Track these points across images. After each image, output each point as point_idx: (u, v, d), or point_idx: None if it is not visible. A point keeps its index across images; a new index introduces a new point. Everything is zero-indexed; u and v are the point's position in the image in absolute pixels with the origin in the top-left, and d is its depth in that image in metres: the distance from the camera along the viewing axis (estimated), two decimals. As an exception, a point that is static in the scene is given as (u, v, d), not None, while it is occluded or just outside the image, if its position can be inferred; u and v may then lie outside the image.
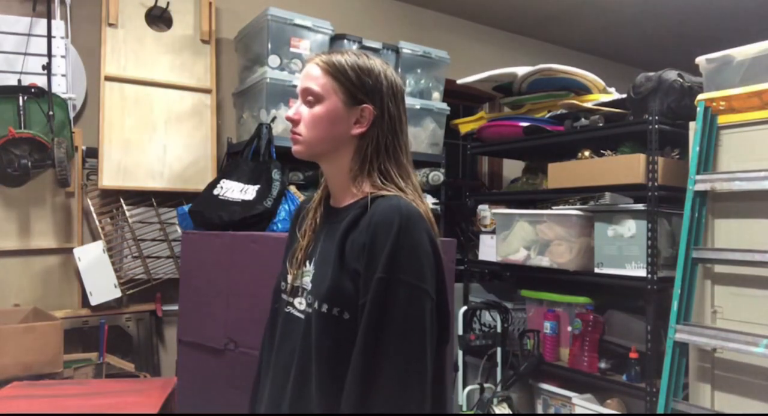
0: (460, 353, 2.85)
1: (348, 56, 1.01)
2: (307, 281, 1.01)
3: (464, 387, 2.85)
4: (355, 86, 0.99)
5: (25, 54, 2.36)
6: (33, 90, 2.31)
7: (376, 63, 1.02)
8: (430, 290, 0.91)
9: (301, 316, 1.00)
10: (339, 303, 0.93)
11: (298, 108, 1.02)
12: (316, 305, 0.95)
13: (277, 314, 1.07)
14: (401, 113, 1.04)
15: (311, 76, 1.01)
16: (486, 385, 2.76)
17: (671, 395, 1.97)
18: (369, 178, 1.00)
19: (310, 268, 1.02)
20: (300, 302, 1.01)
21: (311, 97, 1.00)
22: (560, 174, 2.61)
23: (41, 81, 2.34)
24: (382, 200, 0.96)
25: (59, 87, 2.41)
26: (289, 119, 1.02)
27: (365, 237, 0.92)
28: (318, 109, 0.99)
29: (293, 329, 1.01)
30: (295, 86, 2.54)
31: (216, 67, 2.82)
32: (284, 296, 1.06)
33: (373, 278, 0.89)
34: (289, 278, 1.05)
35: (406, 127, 1.06)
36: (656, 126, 2.21)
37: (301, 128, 1.01)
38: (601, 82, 2.83)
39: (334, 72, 0.99)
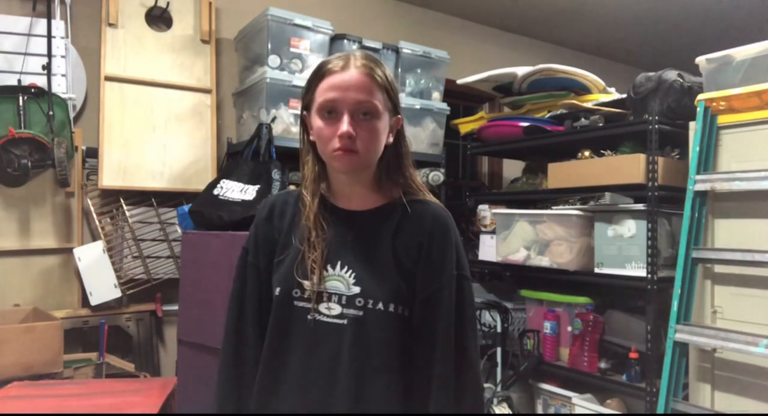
0: (460, 353, 2.84)
1: (382, 66, 1.05)
2: (336, 285, 1.01)
3: (464, 387, 2.85)
4: (394, 100, 1.05)
5: (25, 54, 2.36)
6: (33, 90, 2.31)
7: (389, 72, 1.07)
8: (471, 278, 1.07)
9: (340, 321, 0.99)
10: (402, 302, 1.00)
11: (352, 122, 0.98)
12: (379, 306, 0.99)
13: (288, 323, 1.03)
14: (404, 118, 1.11)
15: (365, 88, 0.98)
16: (486, 385, 2.76)
17: (671, 395, 1.97)
18: (396, 183, 1.06)
19: (338, 272, 1.02)
20: (328, 308, 1.00)
21: (369, 113, 0.99)
22: (560, 174, 2.61)
23: (41, 81, 2.34)
24: (419, 204, 1.05)
25: (59, 87, 2.41)
26: (347, 134, 0.97)
27: (420, 239, 1.02)
28: (378, 124, 1.01)
29: (328, 336, 1.00)
30: (295, 86, 2.54)
31: (216, 67, 2.82)
32: (300, 303, 1.02)
33: (439, 275, 1.01)
34: (306, 284, 1.01)
35: (405, 132, 1.12)
36: (656, 126, 2.21)
37: (359, 145, 0.98)
38: (601, 82, 2.84)
39: (387, 86, 1.02)
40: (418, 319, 1.01)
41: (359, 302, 0.99)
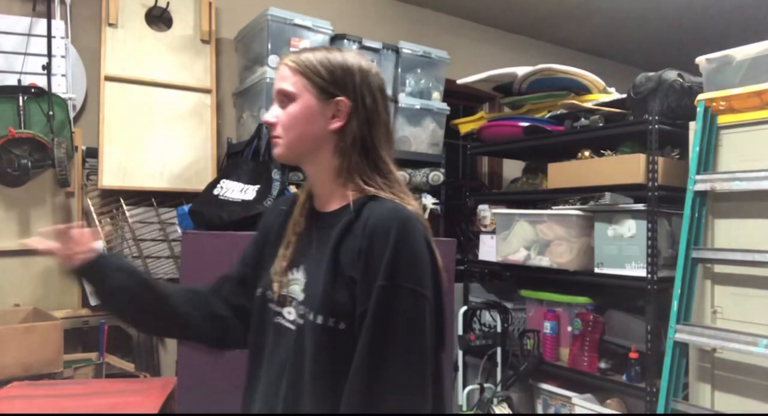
0: (460, 353, 2.85)
1: (317, 52, 1.00)
2: (295, 289, 0.98)
3: (464, 387, 2.85)
4: (326, 81, 0.97)
5: (25, 54, 2.36)
6: (33, 90, 2.31)
7: (348, 56, 1.00)
8: (429, 295, 0.90)
9: (292, 327, 0.97)
10: (334, 314, 0.91)
11: (274, 111, 1.00)
12: (310, 316, 0.92)
13: (265, 324, 1.02)
14: (378, 104, 1.00)
15: (282, 76, 0.99)
16: (486, 385, 2.76)
17: (671, 395, 1.97)
18: (355, 178, 0.98)
19: (297, 276, 0.99)
20: (289, 312, 0.97)
21: (285, 98, 0.99)
22: (560, 174, 2.61)
23: (41, 81, 2.34)
24: (375, 203, 0.95)
25: (59, 87, 2.41)
26: (266, 122, 1.00)
27: (361, 243, 0.91)
28: (292, 108, 0.97)
29: (284, 340, 0.98)
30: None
31: (216, 67, 2.82)
32: (272, 306, 1.01)
33: (373, 285, 0.88)
34: (275, 286, 1.00)
35: (386, 118, 1.02)
36: (656, 126, 2.21)
37: (280, 130, 0.99)
38: (601, 82, 2.84)
39: (303, 69, 0.98)
40: (356, 334, 0.90)
41: (301, 310, 0.95)
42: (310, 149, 0.99)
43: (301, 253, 1.01)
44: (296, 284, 0.98)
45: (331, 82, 0.97)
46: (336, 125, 0.97)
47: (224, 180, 2.21)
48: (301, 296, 0.97)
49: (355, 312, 0.90)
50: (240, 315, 1.10)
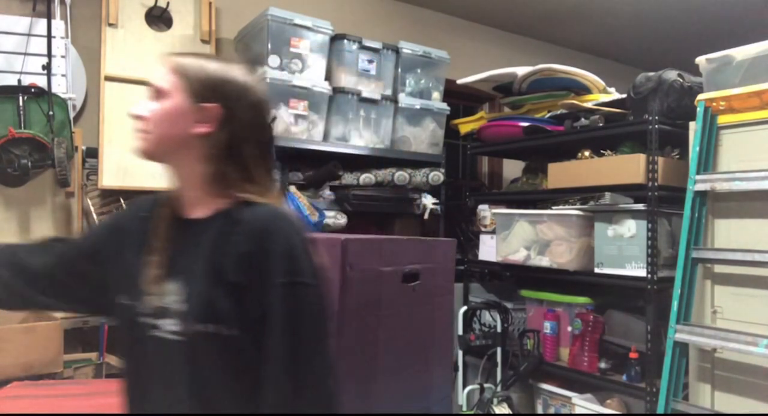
0: (460, 353, 2.85)
1: (201, 57, 1.00)
2: (172, 300, 0.94)
3: (464, 387, 2.85)
4: (201, 85, 0.96)
5: (25, 54, 2.36)
6: (33, 90, 2.31)
7: (232, 68, 1.00)
8: (320, 285, 0.94)
9: (177, 338, 0.93)
10: (222, 321, 0.90)
11: (145, 105, 0.99)
12: (199, 327, 0.91)
13: (139, 338, 0.97)
14: (254, 119, 1.00)
15: (159, 73, 0.99)
16: (486, 385, 2.76)
17: (671, 395, 1.97)
18: (225, 187, 0.97)
19: (172, 286, 0.95)
20: (173, 324, 0.93)
21: (157, 94, 0.98)
22: (560, 174, 2.61)
23: (41, 81, 2.33)
24: (251, 208, 0.95)
25: (59, 87, 2.41)
26: (136, 115, 0.99)
27: (246, 247, 0.91)
28: (162, 105, 0.97)
29: (171, 353, 0.94)
30: (295, 86, 2.54)
31: (216, 67, 2.82)
32: (145, 319, 0.96)
33: (268, 286, 0.90)
34: (150, 299, 0.96)
35: (262, 133, 1.02)
36: (656, 126, 2.21)
37: (147, 125, 0.98)
38: (601, 82, 2.84)
39: (181, 70, 0.97)
40: (252, 338, 0.91)
41: (186, 320, 0.93)
42: (173, 149, 0.98)
43: (173, 262, 0.97)
44: (173, 294, 0.95)
45: (205, 88, 0.97)
46: (201, 129, 0.96)
47: (224, 180, 2.21)
48: (181, 307, 0.93)
49: (247, 316, 0.91)
50: (61, 284, 1.07)
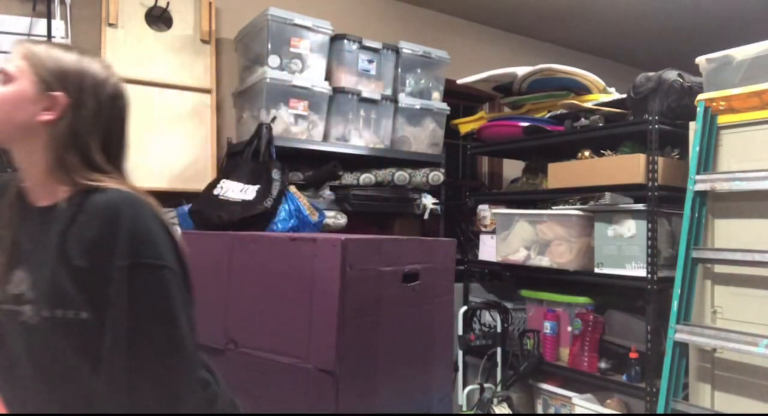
0: (460, 353, 2.85)
1: (56, 47, 1.00)
2: (25, 287, 0.95)
3: (464, 387, 2.85)
4: (49, 73, 0.97)
5: (25, 54, 2.36)
6: (33, 90, 2.31)
7: (88, 61, 1.02)
8: (171, 265, 0.95)
9: (34, 323, 0.94)
10: (70, 306, 0.91)
11: None
12: (45, 312, 0.92)
13: (5, 325, 0.98)
14: (104, 111, 1.03)
15: (10, 58, 0.99)
16: (486, 385, 2.76)
17: (671, 395, 1.97)
18: (71, 175, 0.97)
19: (25, 274, 0.96)
20: (28, 310, 0.94)
21: (4, 78, 0.98)
22: (560, 174, 2.61)
23: (41, 81, 2.34)
24: (98, 193, 0.96)
25: (59, 87, 2.41)
26: None
27: (90, 232, 0.92)
28: (7, 89, 0.97)
29: (31, 339, 0.95)
30: (295, 86, 2.54)
31: (216, 67, 2.82)
32: (7, 306, 0.97)
33: (113, 268, 0.90)
34: (6, 286, 0.97)
35: (113, 127, 1.07)
36: (656, 126, 2.21)
37: None
38: (601, 82, 2.84)
39: (31, 56, 0.98)
40: (104, 321, 0.91)
41: (37, 306, 0.93)
42: (17, 135, 0.98)
43: (21, 249, 0.99)
44: (24, 281, 0.96)
45: (53, 76, 0.97)
46: (45, 117, 0.97)
47: (224, 180, 2.21)
48: (31, 294, 0.94)
49: (95, 299, 0.91)
50: None
